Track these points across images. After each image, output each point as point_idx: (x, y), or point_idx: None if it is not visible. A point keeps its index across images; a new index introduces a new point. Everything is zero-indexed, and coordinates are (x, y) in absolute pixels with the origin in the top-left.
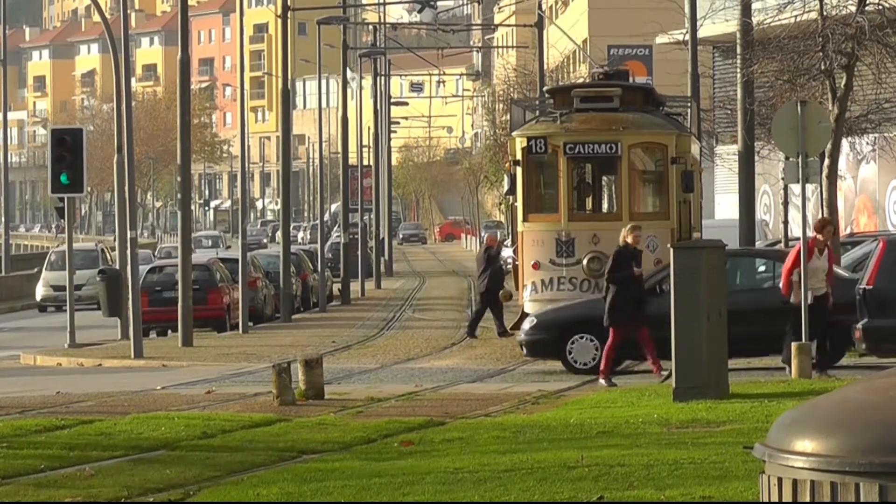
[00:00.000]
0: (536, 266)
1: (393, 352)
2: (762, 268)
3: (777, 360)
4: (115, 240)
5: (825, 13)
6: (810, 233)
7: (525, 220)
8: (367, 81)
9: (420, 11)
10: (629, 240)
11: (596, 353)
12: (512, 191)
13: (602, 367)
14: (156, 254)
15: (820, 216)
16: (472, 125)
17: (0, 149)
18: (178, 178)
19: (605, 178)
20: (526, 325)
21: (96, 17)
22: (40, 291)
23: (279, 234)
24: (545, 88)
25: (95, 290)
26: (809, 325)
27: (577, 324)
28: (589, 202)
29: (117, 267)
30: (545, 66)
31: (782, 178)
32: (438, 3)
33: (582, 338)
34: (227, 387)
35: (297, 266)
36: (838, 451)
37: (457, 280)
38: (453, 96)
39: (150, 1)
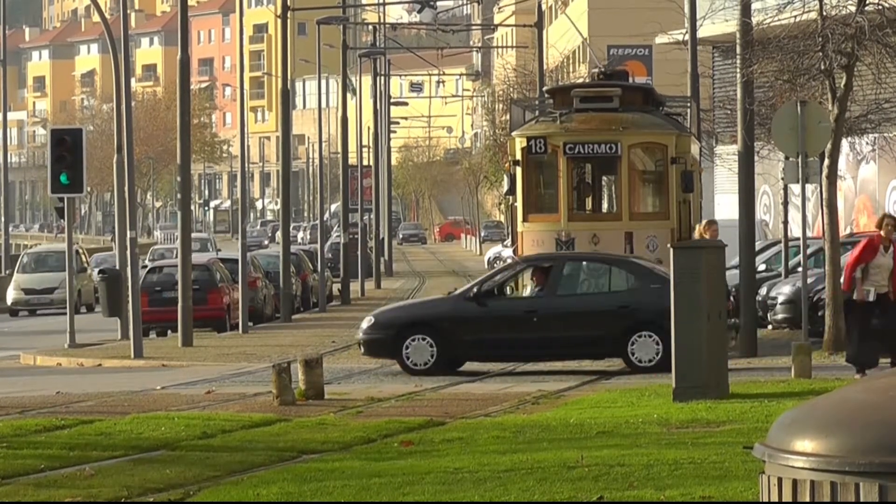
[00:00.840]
0: None
1: None
2: (599, 273)
3: (617, 361)
4: (112, 239)
5: (825, 13)
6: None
7: (525, 220)
8: (367, 81)
9: (420, 11)
10: (707, 235)
11: (432, 354)
12: (512, 191)
13: None
14: (146, 257)
15: (883, 213)
16: (472, 125)
17: (0, 149)
18: (178, 178)
19: (604, 178)
20: (364, 324)
21: (96, 17)
22: (11, 295)
23: (279, 234)
24: (545, 88)
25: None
26: (874, 323)
27: (414, 324)
28: (589, 202)
29: (87, 269)
30: (545, 66)
31: (782, 178)
32: (438, 3)
33: (419, 339)
34: (227, 387)
35: (297, 266)
36: (838, 451)
37: (457, 280)
38: (453, 96)
39: (150, 1)
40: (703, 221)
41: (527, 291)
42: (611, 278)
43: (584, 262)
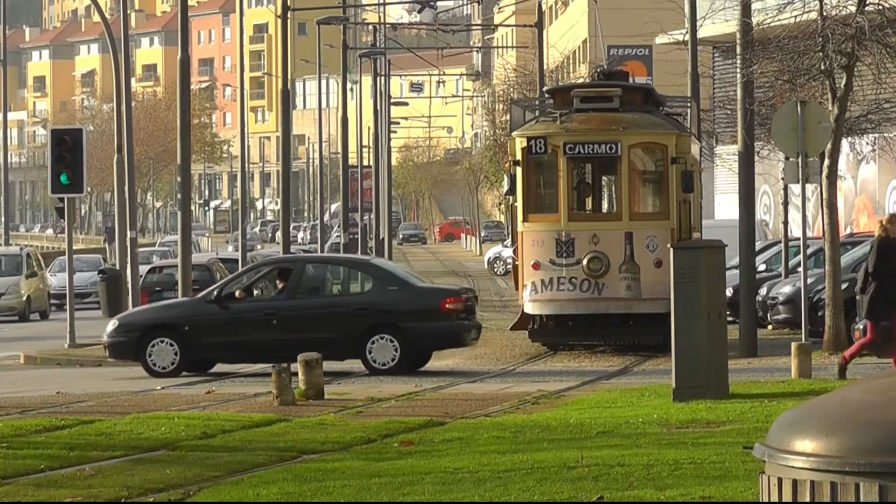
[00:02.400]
0: (536, 266)
1: None
2: (338, 275)
3: (357, 363)
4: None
5: (825, 13)
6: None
7: (525, 220)
8: (368, 81)
9: (420, 11)
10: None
11: (175, 357)
12: (512, 191)
13: (847, 355)
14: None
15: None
16: (472, 125)
17: (0, 149)
18: (178, 178)
19: (604, 178)
20: (109, 327)
21: (96, 17)
22: None
23: (279, 233)
24: (545, 88)
25: (16, 300)
26: None
27: (157, 327)
28: (589, 202)
29: (38, 273)
30: (545, 67)
31: (782, 178)
32: (438, 4)
33: (162, 341)
34: (227, 387)
35: None
36: (838, 451)
37: (457, 280)
38: (453, 96)
39: (150, 1)
40: (889, 214)
41: (269, 293)
42: (350, 281)
43: (325, 265)
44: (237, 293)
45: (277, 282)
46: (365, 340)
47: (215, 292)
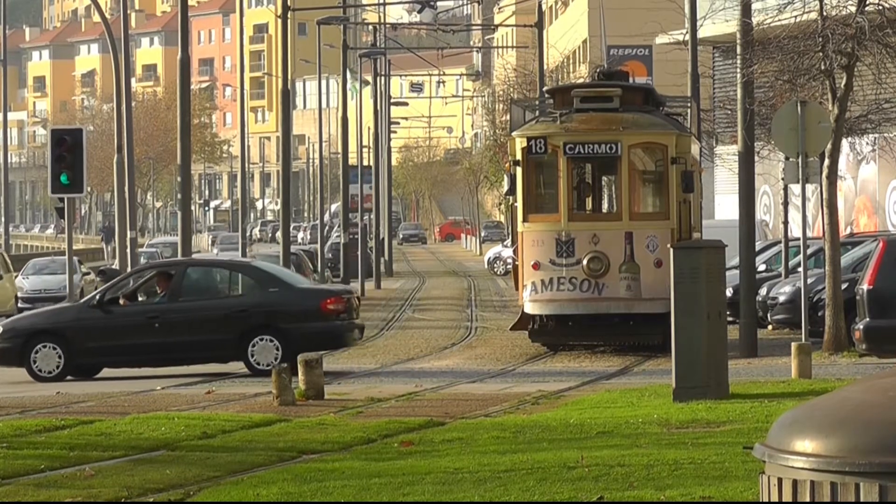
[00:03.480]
0: (536, 266)
1: (393, 352)
2: (219, 278)
3: (239, 364)
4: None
5: (825, 13)
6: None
7: (525, 220)
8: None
9: (420, 11)
10: None
11: (59, 361)
12: (512, 191)
13: None
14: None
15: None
16: (472, 125)
17: (0, 149)
18: (179, 178)
19: (604, 178)
20: None
21: (96, 17)
22: None
23: (279, 234)
24: (545, 88)
25: None
26: None
27: (41, 332)
28: (589, 202)
29: (5, 275)
30: (545, 66)
31: (782, 178)
32: (438, 4)
33: (45, 346)
34: (227, 387)
35: (297, 266)
36: (838, 451)
37: (457, 280)
38: (453, 96)
39: (150, 1)
40: None
41: (151, 297)
42: (230, 283)
43: (206, 268)
44: (120, 298)
45: (159, 286)
46: (246, 342)
47: (98, 297)
